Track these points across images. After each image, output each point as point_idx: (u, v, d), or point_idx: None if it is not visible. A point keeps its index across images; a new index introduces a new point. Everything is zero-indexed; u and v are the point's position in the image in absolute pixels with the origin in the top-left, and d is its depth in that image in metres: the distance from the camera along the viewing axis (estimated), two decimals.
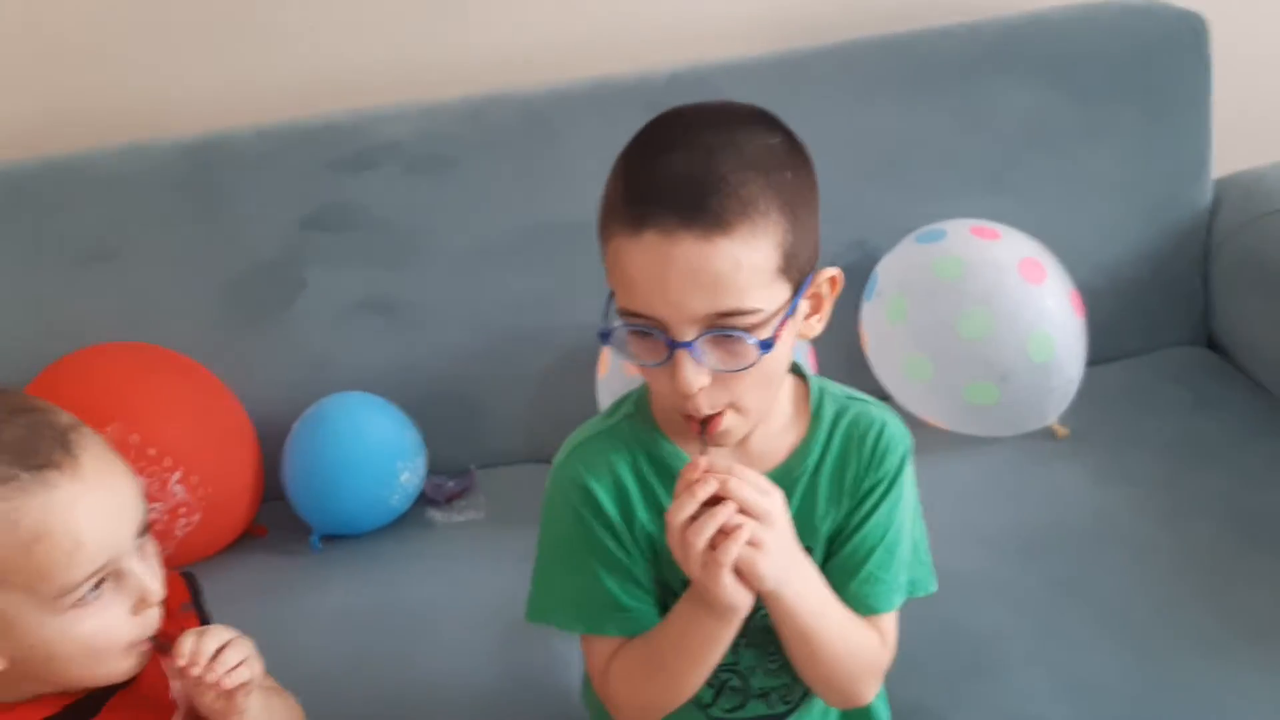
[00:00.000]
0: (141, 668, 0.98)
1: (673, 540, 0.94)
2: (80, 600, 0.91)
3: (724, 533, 0.92)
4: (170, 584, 1.08)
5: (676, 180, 0.91)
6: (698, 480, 0.92)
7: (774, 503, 0.94)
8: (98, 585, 0.92)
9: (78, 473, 0.90)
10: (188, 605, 1.09)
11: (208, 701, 1.00)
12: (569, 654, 1.45)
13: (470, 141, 1.75)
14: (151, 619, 0.97)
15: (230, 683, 0.98)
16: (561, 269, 1.77)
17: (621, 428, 1.09)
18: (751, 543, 0.92)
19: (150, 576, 0.95)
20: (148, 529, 0.97)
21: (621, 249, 0.94)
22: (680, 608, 1.03)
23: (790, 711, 1.15)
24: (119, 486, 0.94)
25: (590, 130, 1.72)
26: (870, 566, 1.07)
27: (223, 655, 0.98)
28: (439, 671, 1.44)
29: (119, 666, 0.96)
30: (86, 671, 0.96)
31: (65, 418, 0.94)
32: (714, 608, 0.97)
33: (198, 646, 0.97)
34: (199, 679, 0.97)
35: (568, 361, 1.79)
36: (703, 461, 0.93)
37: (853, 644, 1.06)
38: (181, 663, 0.97)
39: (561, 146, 1.75)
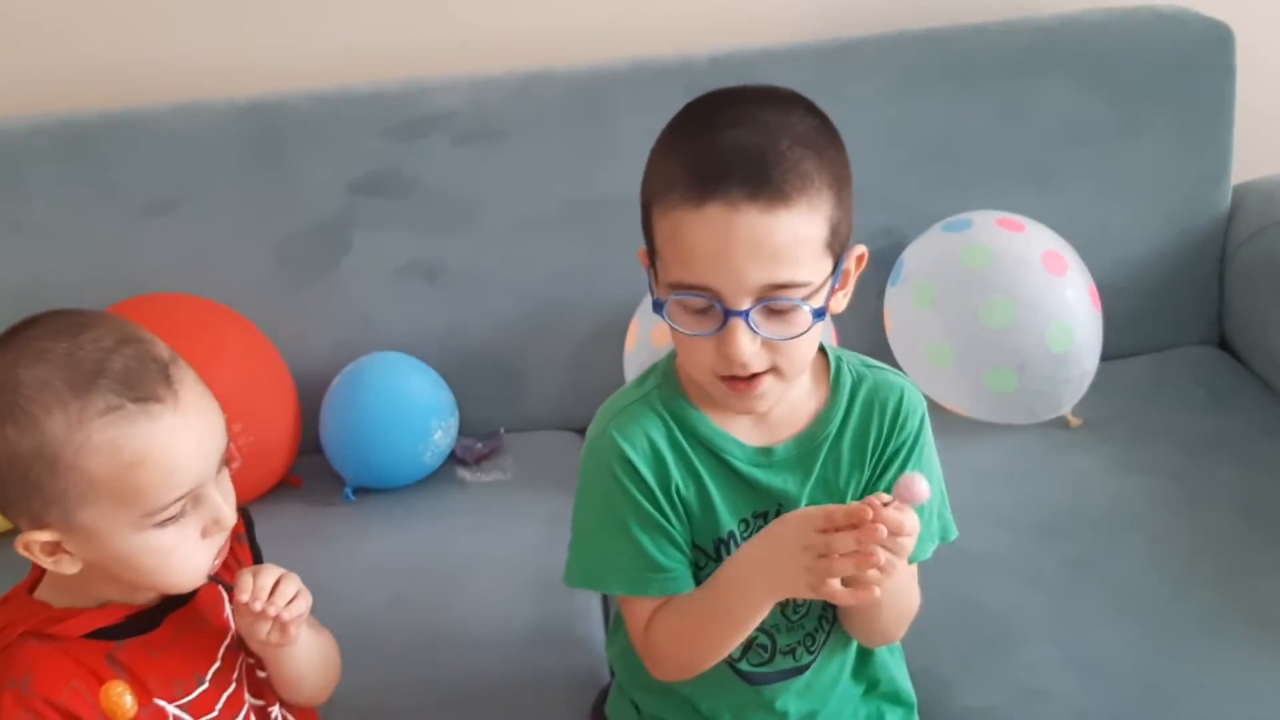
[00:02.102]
0: (204, 582, 1.04)
1: (808, 550, 0.97)
2: (163, 521, 0.97)
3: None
4: None
5: (741, 154, 0.95)
6: (872, 523, 0.94)
7: (911, 543, 0.97)
8: (180, 509, 0.97)
9: (178, 406, 0.95)
10: (242, 537, 1.15)
11: (263, 634, 1.05)
12: (590, 607, 1.51)
13: (518, 115, 1.78)
14: (219, 540, 1.02)
15: (289, 615, 1.04)
16: (599, 243, 1.81)
17: (653, 397, 1.12)
18: (880, 568, 0.96)
19: (224, 505, 1.00)
20: (226, 461, 1.02)
21: (683, 221, 0.96)
22: (733, 578, 1.06)
23: (813, 662, 1.19)
24: (210, 419, 0.99)
25: (633, 108, 1.76)
26: None
27: (279, 589, 1.04)
28: (466, 621, 1.49)
29: (185, 579, 1.02)
30: (157, 580, 1.01)
31: (165, 350, 0.99)
32: (780, 592, 1.03)
33: (257, 583, 1.03)
34: (260, 613, 1.03)
35: (599, 334, 1.84)
36: (879, 504, 0.95)
37: (902, 604, 1.14)
38: (244, 598, 1.02)
39: (604, 123, 1.79)
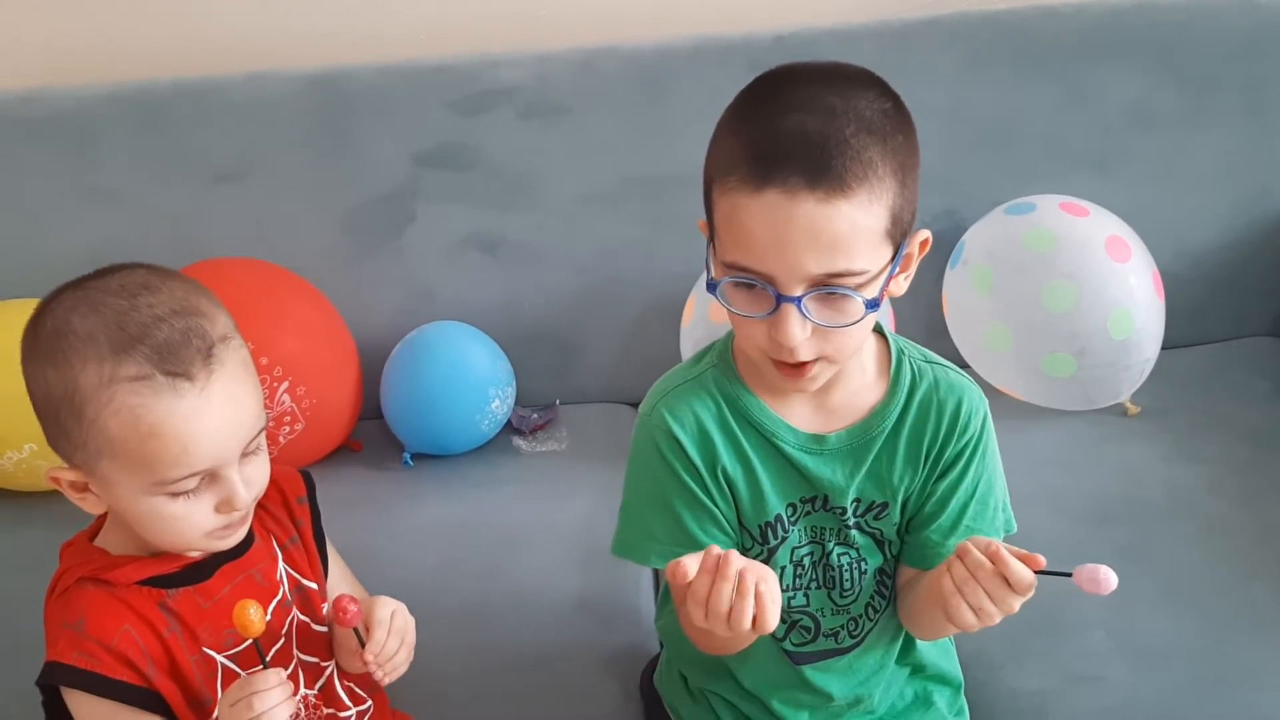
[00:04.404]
0: (212, 549, 1.05)
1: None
2: (173, 492, 0.98)
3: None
4: (290, 479, 1.17)
5: (804, 140, 0.93)
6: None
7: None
8: (195, 484, 0.99)
9: (207, 388, 0.96)
10: (303, 499, 1.17)
11: (354, 669, 1.11)
12: (640, 579, 1.53)
13: (582, 91, 1.80)
14: (233, 517, 1.03)
15: (387, 681, 1.08)
16: (657, 220, 1.82)
17: (706, 378, 1.12)
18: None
19: (241, 487, 1.01)
20: (262, 432, 1.03)
21: (740, 205, 0.95)
22: None
23: (856, 645, 1.19)
24: (241, 406, 1.00)
25: (696, 86, 1.77)
26: (967, 520, 1.13)
27: (395, 658, 1.07)
28: (517, 589, 1.51)
29: (193, 545, 1.04)
30: (164, 541, 1.03)
31: (222, 327, 1.00)
32: None
33: (384, 649, 1.05)
34: (366, 663, 1.06)
35: (656, 309, 1.85)
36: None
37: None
38: (369, 658, 1.05)
39: (667, 100, 1.80)
